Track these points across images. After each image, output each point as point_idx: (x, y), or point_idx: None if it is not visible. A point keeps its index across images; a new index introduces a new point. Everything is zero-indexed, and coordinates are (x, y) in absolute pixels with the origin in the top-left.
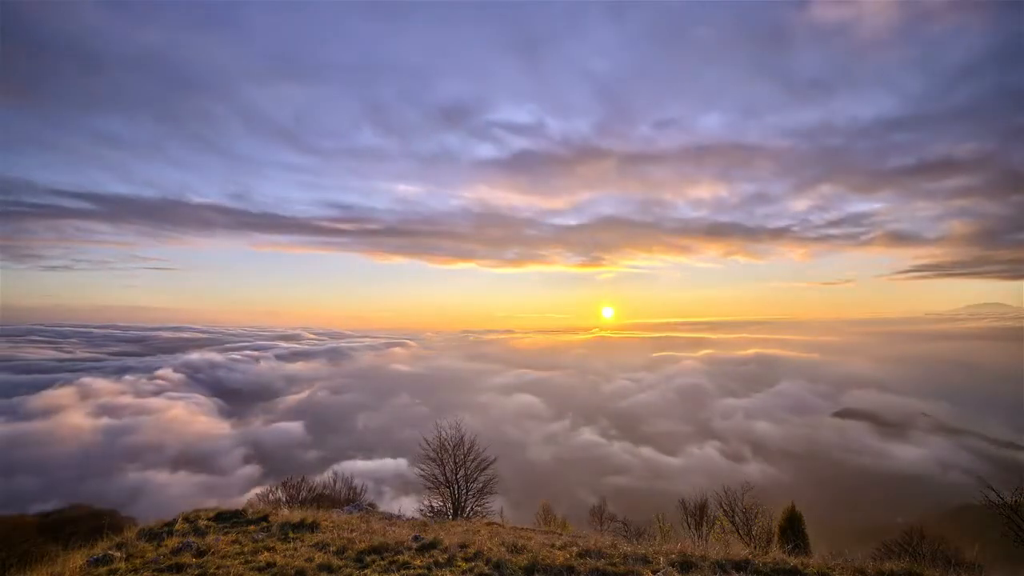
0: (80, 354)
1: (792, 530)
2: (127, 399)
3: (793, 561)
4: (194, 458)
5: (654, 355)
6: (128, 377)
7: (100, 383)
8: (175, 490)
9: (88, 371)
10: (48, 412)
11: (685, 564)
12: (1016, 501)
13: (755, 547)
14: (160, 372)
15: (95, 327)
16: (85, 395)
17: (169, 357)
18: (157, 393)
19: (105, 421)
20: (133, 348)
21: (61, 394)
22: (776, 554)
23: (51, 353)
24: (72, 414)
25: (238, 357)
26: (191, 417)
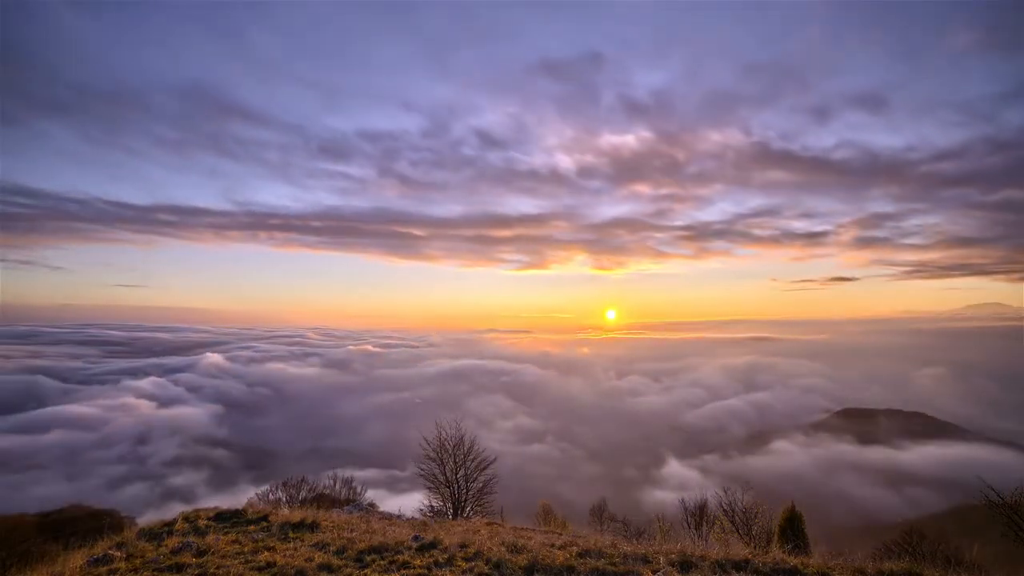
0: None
1: (792, 530)
2: (143, 404)
3: (793, 561)
4: (202, 459)
5: (652, 356)
6: (135, 381)
7: (113, 388)
8: (182, 490)
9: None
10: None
11: (685, 564)
12: (1016, 501)
13: (755, 547)
14: (172, 376)
15: (108, 328)
16: (109, 400)
17: (180, 359)
18: (167, 396)
19: (127, 423)
20: (142, 349)
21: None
22: (776, 554)
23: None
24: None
25: (243, 359)
26: (201, 418)
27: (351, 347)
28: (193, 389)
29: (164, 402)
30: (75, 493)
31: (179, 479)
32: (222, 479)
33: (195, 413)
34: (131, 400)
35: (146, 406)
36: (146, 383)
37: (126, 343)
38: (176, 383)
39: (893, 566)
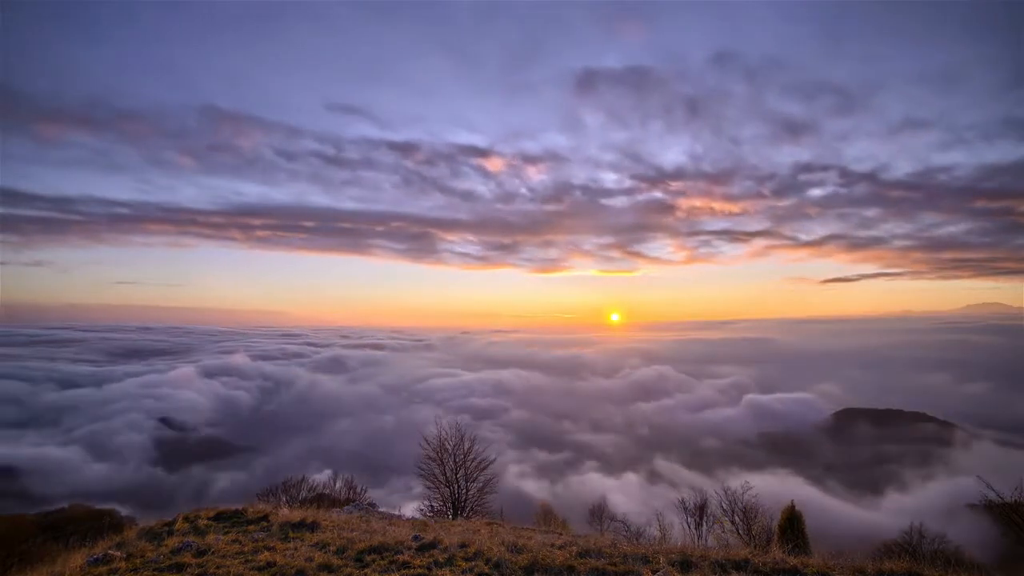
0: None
1: (792, 530)
2: (154, 403)
3: (793, 561)
4: (204, 458)
5: (652, 357)
6: (148, 379)
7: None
8: (183, 490)
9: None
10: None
11: (685, 564)
12: (1016, 501)
13: (755, 547)
14: (180, 375)
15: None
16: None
17: (188, 359)
18: (176, 395)
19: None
20: (154, 349)
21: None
22: (776, 554)
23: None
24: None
25: (258, 359)
26: (206, 418)
27: (358, 347)
28: (201, 388)
29: (174, 400)
30: (74, 493)
31: (182, 478)
32: (222, 478)
33: (202, 413)
34: (143, 398)
35: (157, 405)
36: (157, 382)
37: (141, 342)
38: (184, 382)
39: (893, 566)
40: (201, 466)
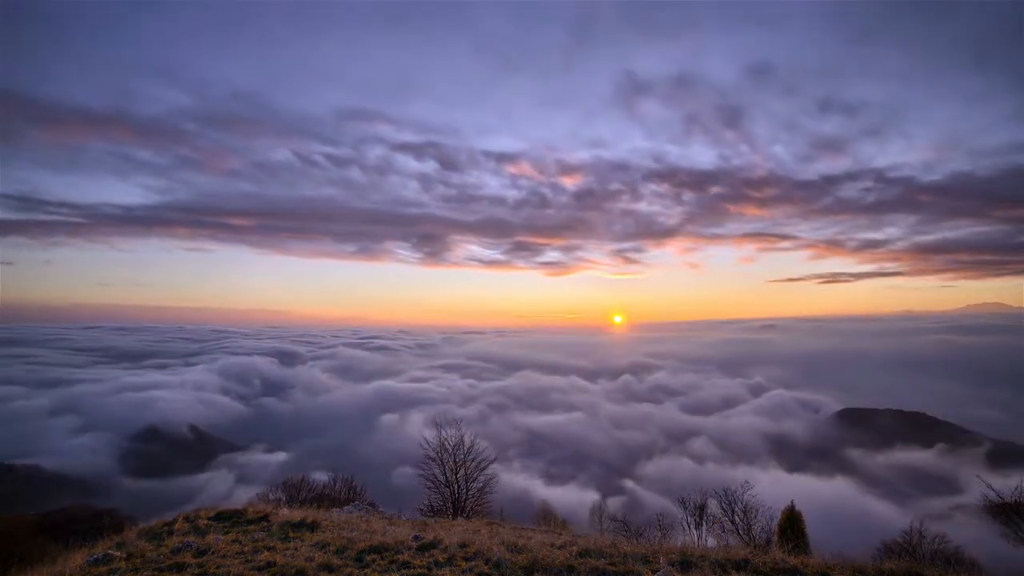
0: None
1: (792, 530)
2: (158, 402)
3: (793, 561)
4: (205, 457)
5: (651, 357)
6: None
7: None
8: (184, 489)
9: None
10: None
11: (685, 564)
12: (1016, 501)
13: (755, 547)
14: (186, 374)
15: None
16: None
17: (194, 359)
18: (179, 394)
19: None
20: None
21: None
22: (776, 554)
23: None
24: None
25: (265, 359)
26: (207, 418)
27: (366, 348)
28: (210, 388)
29: (181, 401)
30: (77, 493)
31: (185, 478)
32: (222, 478)
33: (207, 413)
34: (150, 399)
35: (160, 405)
36: (166, 383)
37: (143, 343)
38: (193, 383)
39: (893, 566)
40: (205, 466)
